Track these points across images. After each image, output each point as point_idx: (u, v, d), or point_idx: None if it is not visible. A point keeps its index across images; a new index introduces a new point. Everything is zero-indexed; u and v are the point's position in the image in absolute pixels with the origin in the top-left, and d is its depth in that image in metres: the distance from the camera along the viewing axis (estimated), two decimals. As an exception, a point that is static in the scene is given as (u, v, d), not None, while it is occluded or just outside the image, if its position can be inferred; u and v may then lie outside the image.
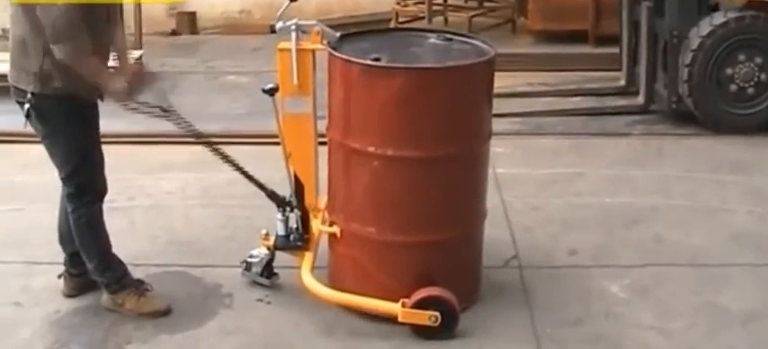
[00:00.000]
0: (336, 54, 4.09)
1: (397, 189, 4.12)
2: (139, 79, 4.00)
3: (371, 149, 4.06)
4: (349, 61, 4.05)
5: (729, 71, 6.75)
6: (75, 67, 3.83)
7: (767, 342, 4.14)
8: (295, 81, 4.15)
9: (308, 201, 4.39)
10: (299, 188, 4.37)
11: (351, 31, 4.44)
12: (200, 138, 4.32)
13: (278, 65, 4.20)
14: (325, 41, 4.17)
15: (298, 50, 4.13)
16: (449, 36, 4.45)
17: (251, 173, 4.45)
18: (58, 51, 3.80)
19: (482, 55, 4.20)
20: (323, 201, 4.47)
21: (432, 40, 4.44)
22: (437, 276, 4.17)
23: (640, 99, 7.27)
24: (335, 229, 4.28)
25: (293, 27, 4.11)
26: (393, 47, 4.31)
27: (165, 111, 4.19)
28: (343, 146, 4.17)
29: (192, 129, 4.26)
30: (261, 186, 4.41)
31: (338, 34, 4.25)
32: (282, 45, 4.17)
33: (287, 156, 4.31)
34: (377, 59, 4.02)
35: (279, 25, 4.15)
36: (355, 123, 4.11)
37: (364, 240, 4.21)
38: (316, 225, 4.43)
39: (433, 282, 4.14)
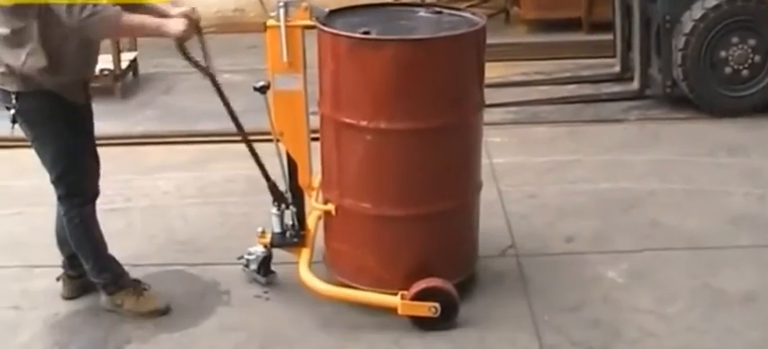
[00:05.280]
0: (326, 29, 4.09)
1: (391, 162, 4.11)
2: (195, 23, 3.94)
3: (364, 123, 4.05)
4: (338, 35, 4.05)
5: (723, 54, 6.75)
6: (121, 34, 3.79)
7: (765, 321, 4.15)
8: (285, 58, 4.12)
9: (302, 179, 4.35)
10: (291, 168, 4.34)
11: (339, 7, 4.40)
12: (231, 113, 4.25)
13: (267, 43, 4.16)
14: (314, 17, 4.15)
15: (286, 27, 4.10)
16: (438, 9, 4.44)
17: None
18: (96, 32, 3.82)
19: (472, 25, 4.20)
20: (316, 179, 4.46)
21: (421, 14, 4.44)
22: (434, 248, 4.20)
23: (635, 84, 7.27)
24: (330, 207, 4.28)
25: (281, 3, 4.07)
26: (382, 20, 4.30)
27: (206, 71, 4.14)
28: (335, 121, 4.15)
29: (223, 94, 4.19)
30: (265, 175, 4.38)
31: (327, 10, 4.24)
32: (271, 22, 4.13)
33: (278, 137, 4.27)
34: (366, 33, 4.02)
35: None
36: (346, 98, 4.10)
37: (360, 216, 4.21)
38: (310, 204, 4.42)
39: (431, 255, 4.17)
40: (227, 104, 4.20)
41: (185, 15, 3.95)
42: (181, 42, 3.93)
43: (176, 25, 3.89)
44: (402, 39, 4.11)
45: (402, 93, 4.00)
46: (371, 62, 4.00)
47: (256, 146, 4.36)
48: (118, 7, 3.80)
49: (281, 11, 4.07)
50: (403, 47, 4.03)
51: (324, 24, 4.12)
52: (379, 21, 4.26)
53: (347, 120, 4.09)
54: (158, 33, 3.93)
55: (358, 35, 4.01)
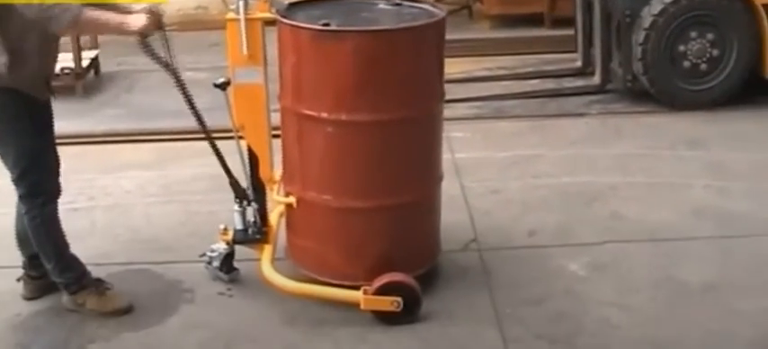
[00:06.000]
0: (285, 21, 4.09)
1: (352, 154, 4.13)
2: (158, 19, 3.92)
3: (324, 115, 4.06)
4: (299, 28, 4.06)
5: (682, 48, 6.83)
6: (82, 29, 3.77)
7: (725, 312, 4.20)
8: (245, 51, 4.12)
9: (263, 172, 4.35)
10: (253, 162, 4.33)
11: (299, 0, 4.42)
12: (193, 107, 4.24)
13: (227, 36, 4.16)
14: (274, 10, 4.16)
15: (246, 20, 4.10)
16: (398, 1, 4.45)
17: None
18: (57, 24, 3.76)
19: (432, 17, 4.22)
20: (278, 173, 4.46)
21: (381, 6, 4.45)
22: (396, 239, 4.22)
23: (596, 79, 7.34)
24: (291, 199, 4.28)
25: None
26: (343, 13, 4.31)
27: (169, 66, 4.11)
28: (296, 113, 4.16)
29: (186, 91, 4.17)
30: (227, 171, 4.37)
31: (287, 2, 4.24)
32: (231, 16, 4.13)
33: (239, 130, 4.26)
34: (326, 25, 4.02)
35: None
36: (307, 90, 4.10)
37: (321, 208, 4.21)
38: (272, 197, 4.42)
39: (393, 247, 4.20)
40: (190, 101, 4.19)
41: (148, 10, 3.95)
42: (143, 38, 3.92)
43: (137, 20, 3.90)
44: (362, 30, 4.12)
45: (362, 85, 4.01)
46: (332, 54, 4.01)
47: (219, 143, 4.35)
48: (80, 4, 3.78)
49: (241, 3, 4.07)
50: (363, 38, 4.05)
51: (284, 17, 4.12)
52: (339, 13, 4.27)
53: (308, 113, 4.10)
54: (120, 30, 3.93)
55: (318, 27, 4.01)
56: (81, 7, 3.77)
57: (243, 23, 4.09)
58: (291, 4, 4.27)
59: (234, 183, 4.39)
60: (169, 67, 4.11)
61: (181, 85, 4.15)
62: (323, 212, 4.23)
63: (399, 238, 4.23)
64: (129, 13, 3.98)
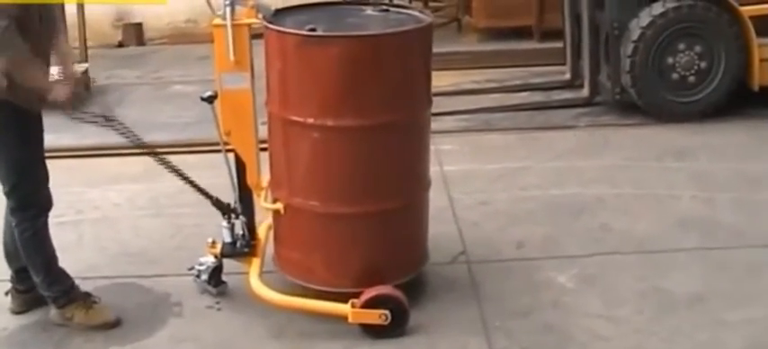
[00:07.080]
0: (272, 26, 4.10)
1: (338, 160, 4.12)
2: (84, 89, 3.94)
3: (311, 121, 4.06)
4: (285, 33, 4.06)
5: (670, 60, 6.85)
6: (13, 76, 3.79)
7: (711, 323, 4.21)
8: (232, 57, 4.12)
9: (251, 179, 4.34)
10: (240, 171, 4.33)
11: (287, 6, 4.43)
12: (145, 148, 4.29)
13: (214, 42, 4.15)
14: (260, 15, 4.16)
15: (233, 26, 4.09)
16: (385, 7, 4.47)
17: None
18: None
19: (419, 23, 4.23)
20: (265, 179, 4.45)
21: (368, 11, 4.46)
22: (383, 246, 4.23)
23: (585, 91, 7.36)
24: (279, 206, 4.28)
25: (227, 2, 4.07)
26: (329, 18, 4.31)
27: (108, 120, 4.15)
28: (282, 119, 4.16)
29: (135, 138, 4.24)
30: (205, 194, 4.41)
31: (273, 8, 4.25)
32: (217, 21, 4.13)
33: (225, 136, 4.25)
34: (312, 30, 4.03)
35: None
36: (293, 95, 4.10)
37: (308, 214, 4.21)
38: (259, 203, 4.42)
39: (380, 253, 4.21)
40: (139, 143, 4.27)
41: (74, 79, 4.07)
42: (61, 108, 3.97)
43: (58, 91, 3.94)
44: (348, 35, 4.14)
45: (349, 91, 4.01)
46: (318, 59, 4.01)
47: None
48: (22, 46, 3.80)
49: (228, 9, 4.07)
50: (349, 43, 4.06)
51: (270, 23, 4.13)
52: (325, 19, 4.27)
53: (294, 118, 4.10)
54: (42, 94, 3.92)
55: (304, 32, 4.01)
56: (25, 54, 3.80)
57: (229, 29, 4.09)
58: (278, 10, 4.28)
59: (216, 202, 4.39)
60: (109, 121, 4.17)
61: (127, 133, 4.23)
62: (310, 218, 4.22)
63: (386, 244, 4.24)
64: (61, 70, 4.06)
